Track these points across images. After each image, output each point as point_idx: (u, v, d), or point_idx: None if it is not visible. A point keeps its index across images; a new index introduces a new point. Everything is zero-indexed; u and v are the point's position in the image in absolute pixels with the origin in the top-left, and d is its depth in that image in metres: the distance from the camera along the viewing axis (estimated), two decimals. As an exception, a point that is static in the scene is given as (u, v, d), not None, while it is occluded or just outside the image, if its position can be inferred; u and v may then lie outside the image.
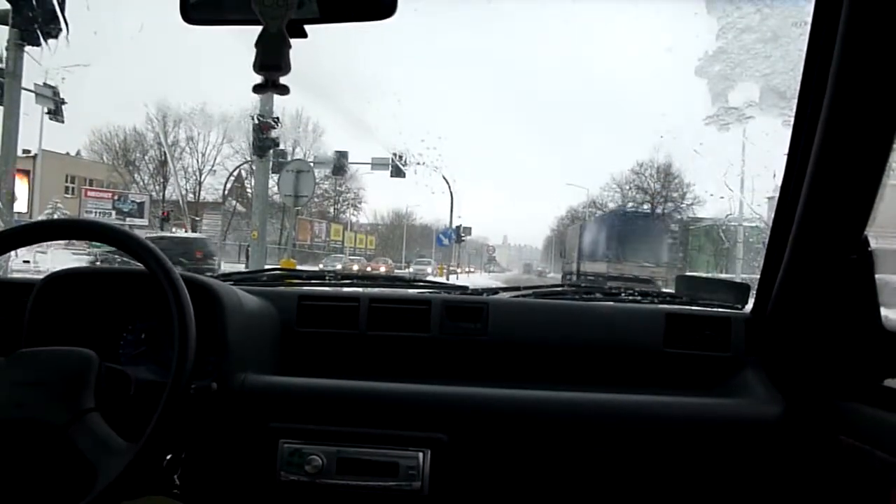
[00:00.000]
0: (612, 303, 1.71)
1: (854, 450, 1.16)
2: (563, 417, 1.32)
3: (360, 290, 1.77)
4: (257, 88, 1.02)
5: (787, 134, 1.24)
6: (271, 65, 1.00)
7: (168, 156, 30.10)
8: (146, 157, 30.56)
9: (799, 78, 1.18)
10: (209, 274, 1.63)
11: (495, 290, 1.78)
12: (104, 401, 1.09)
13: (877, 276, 1.19)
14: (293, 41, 1.00)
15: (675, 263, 14.22)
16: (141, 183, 30.25)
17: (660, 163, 28.91)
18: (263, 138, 11.33)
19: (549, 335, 1.55)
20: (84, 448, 1.02)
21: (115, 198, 26.61)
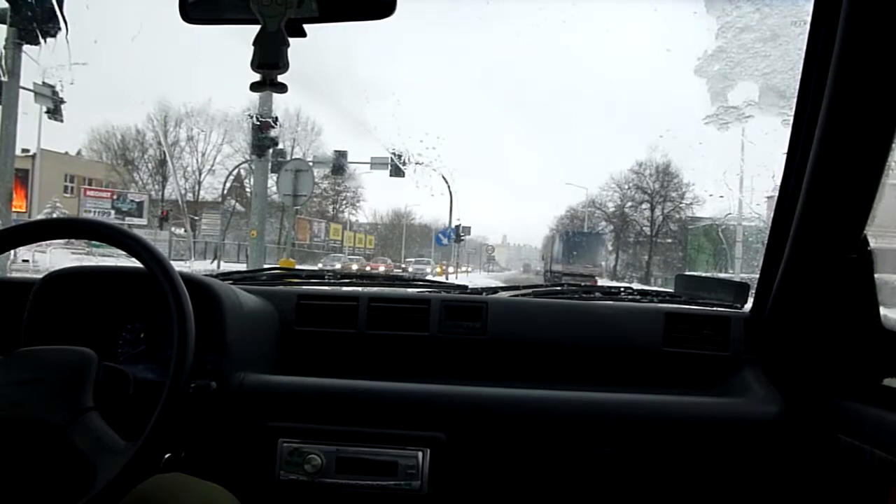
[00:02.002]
0: (611, 302, 1.70)
1: (853, 449, 1.16)
2: (563, 417, 1.32)
3: (359, 289, 1.77)
4: (255, 86, 1.02)
5: (787, 133, 1.24)
6: (269, 63, 0.99)
7: (167, 155, 30.11)
8: (145, 157, 30.56)
9: (798, 77, 1.18)
10: (207, 273, 1.63)
11: (494, 290, 1.77)
12: (103, 400, 1.09)
13: (876, 275, 1.20)
14: (292, 41, 1.00)
15: (604, 264, 23.65)
16: (140, 182, 30.23)
17: (659, 162, 29.08)
18: (262, 138, 11.33)
19: (549, 334, 1.55)
20: (83, 447, 1.02)
21: (114, 197, 26.62)
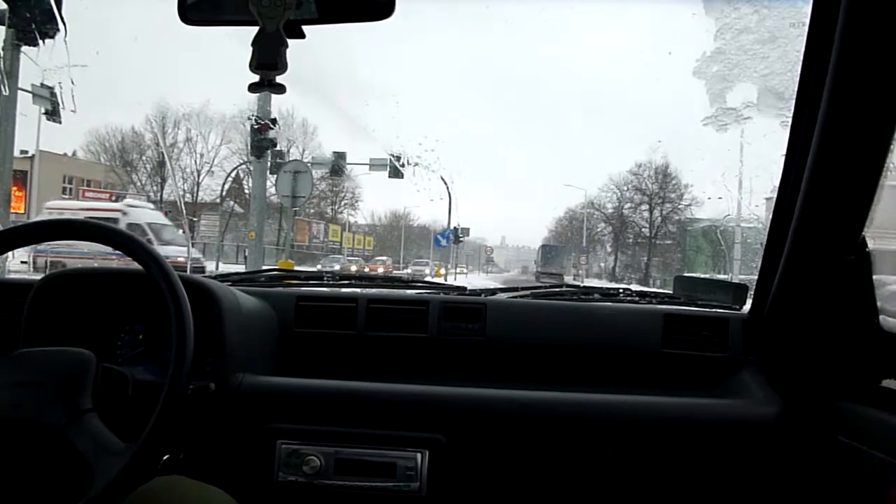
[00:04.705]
0: (610, 303, 1.70)
1: (852, 450, 1.16)
2: (562, 418, 1.32)
3: (358, 290, 1.77)
4: (253, 87, 1.02)
5: (785, 135, 1.25)
6: (268, 63, 1.00)
7: (166, 156, 30.07)
8: (143, 158, 30.53)
9: (797, 79, 1.19)
10: (207, 274, 1.63)
11: (493, 291, 1.77)
12: (102, 401, 1.09)
13: (875, 277, 1.20)
14: (292, 43, 1.00)
15: (567, 267, 30.09)
16: (139, 184, 30.20)
17: (658, 164, 29.16)
18: (261, 139, 11.31)
19: (548, 336, 1.55)
20: (82, 449, 1.02)
21: (113, 198, 26.54)
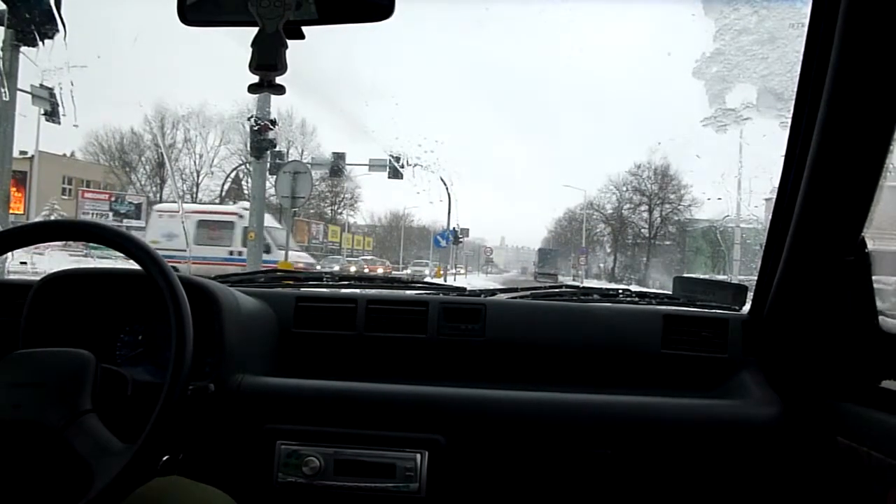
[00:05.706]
0: (609, 304, 1.70)
1: (851, 451, 1.16)
2: (561, 419, 1.32)
3: (357, 291, 1.77)
4: (253, 88, 1.02)
5: (785, 135, 1.25)
6: (267, 64, 0.99)
7: (165, 157, 30.10)
8: (143, 159, 30.55)
9: (796, 79, 1.19)
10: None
11: (493, 292, 1.77)
12: (101, 402, 1.09)
13: (874, 277, 1.20)
14: (292, 43, 1.00)
15: (566, 267, 32.14)
16: (138, 184, 30.22)
17: (657, 165, 29.21)
18: (261, 140, 11.30)
19: (547, 336, 1.55)
20: (81, 449, 1.02)
21: (112, 199, 26.55)
